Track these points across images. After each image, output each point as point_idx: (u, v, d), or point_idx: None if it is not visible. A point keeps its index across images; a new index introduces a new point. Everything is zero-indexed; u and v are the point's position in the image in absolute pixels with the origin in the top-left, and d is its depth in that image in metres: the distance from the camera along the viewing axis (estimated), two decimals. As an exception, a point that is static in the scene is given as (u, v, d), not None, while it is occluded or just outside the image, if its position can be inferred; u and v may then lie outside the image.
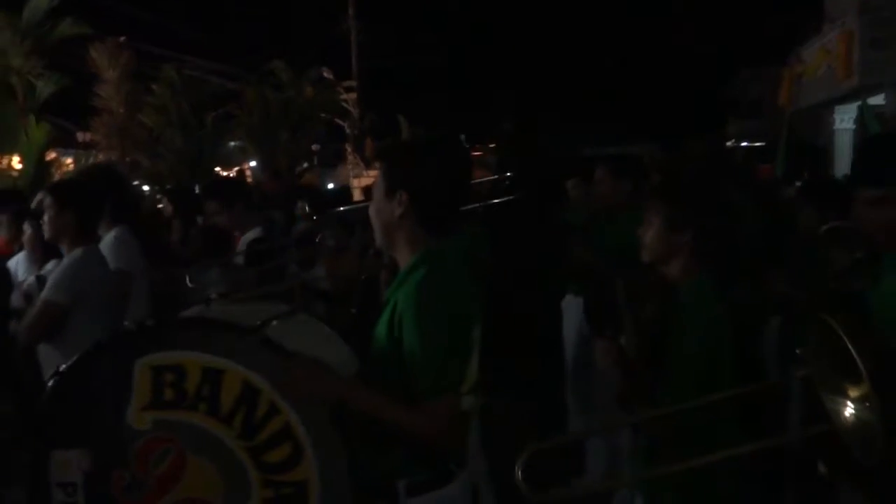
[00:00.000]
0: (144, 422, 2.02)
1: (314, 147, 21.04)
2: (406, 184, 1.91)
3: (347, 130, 21.10)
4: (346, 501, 1.96)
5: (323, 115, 19.97)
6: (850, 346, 1.30)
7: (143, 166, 16.18)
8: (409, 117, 21.17)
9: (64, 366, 2.15)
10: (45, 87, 13.56)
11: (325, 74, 19.86)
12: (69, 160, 15.42)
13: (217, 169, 17.89)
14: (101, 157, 15.94)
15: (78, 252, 3.24)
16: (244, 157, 20.71)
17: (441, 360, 1.81)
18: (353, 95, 21.72)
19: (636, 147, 15.88)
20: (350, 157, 20.58)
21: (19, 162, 13.46)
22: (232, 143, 19.60)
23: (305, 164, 20.78)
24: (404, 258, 1.97)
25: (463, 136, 26.20)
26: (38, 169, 13.42)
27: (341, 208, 4.71)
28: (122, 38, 16.25)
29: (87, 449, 2.05)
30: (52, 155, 14.58)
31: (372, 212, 2.01)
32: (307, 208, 5.29)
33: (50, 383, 2.13)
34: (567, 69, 33.87)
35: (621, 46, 34.75)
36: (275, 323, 2.11)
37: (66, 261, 3.29)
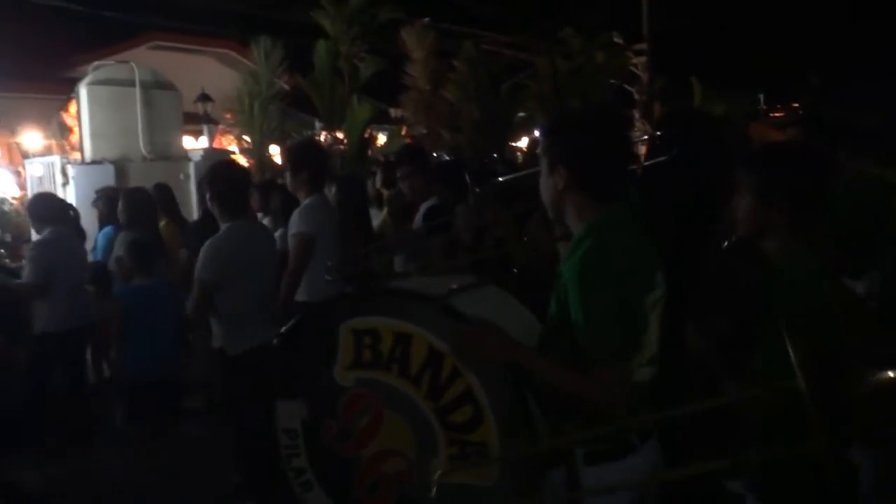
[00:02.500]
0: (348, 379, 2.22)
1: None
2: (563, 158, 1.96)
3: (636, 96, 20.53)
4: (524, 465, 2.01)
5: (612, 81, 19.59)
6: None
7: (444, 139, 17.23)
8: (703, 79, 19.97)
9: (284, 328, 2.42)
10: (366, 70, 15.03)
11: (615, 39, 19.45)
12: (383, 135, 17.02)
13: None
14: (406, 131, 17.41)
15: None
16: (531, 127, 21.12)
17: (607, 328, 1.80)
18: (643, 59, 21.04)
19: None
20: (638, 124, 19.99)
21: (344, 137, 15.13)
22: (520, 114, 20.02)
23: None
24: (575, 228, 2.00)
25: (761, 96, 24.12)
26: (360, 144, 14.99)
27: (501, 178, 4.59)
28: (427, 20, 17.37)
29: (304, 400, 2.30)
30: (368, 131, 16.20)
31: (541, 187, 2.06)
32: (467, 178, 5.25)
33: (275, 342, 2.41)
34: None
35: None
36: (461, 293, 2.21)
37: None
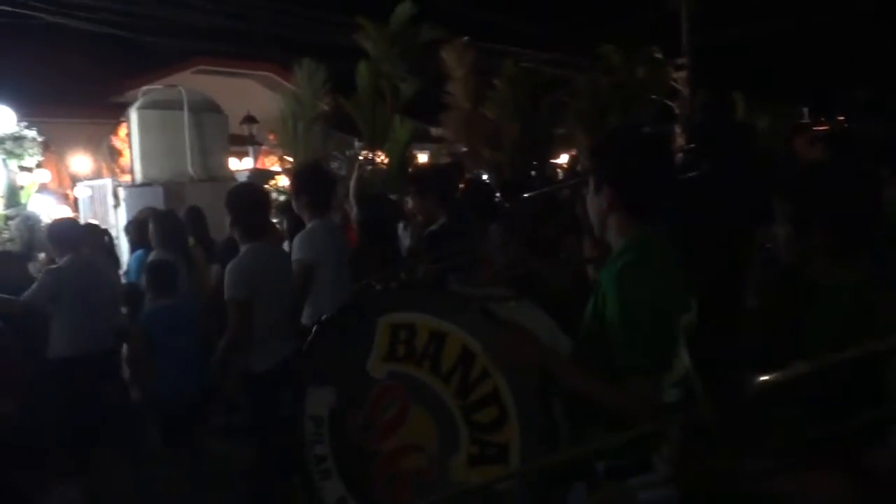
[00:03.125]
0: (381, 371, 2.24)
1: (645, 129, 20.52)
2: (611, 179, 2.03)
3: (677, 111, 20.30)
4: (543, 472, 2.02)
5: (653, 96, 19.41)
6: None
7: (485, 157, 17.19)
8: (746, 94, 19.66)
9: (324, 316, 2.48)
10: (407, 89, 15.09)
11: (656, 54, 19.29)
12: (423, 154, 17.05)
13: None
14: (447, 150, 17.41)
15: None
16: (571, 144, 21.00)
17: (640, 341, 1.84)
18: (684, 73, 20.84)
19: None
20: (678, 139, 19.74)
21: (385, 157, 15.17)
22: (560, 131, 19.93)
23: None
24: (616, 244, 2.05)
25: (806, 110, 23.70)
26: (401, 163, 15.02)
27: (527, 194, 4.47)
28: (466, 38, 17.42)
29: (334, 388, 2.32)
30: (409, 150, 16.23)
31: (588, 205, 2.14)
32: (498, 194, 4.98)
33: (314, 329, 2.45)
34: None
35: None
36: (497, 301, 2.28)
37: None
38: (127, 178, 11.03)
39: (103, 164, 13.47)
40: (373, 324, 2.24)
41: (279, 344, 3.82)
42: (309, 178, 4.41)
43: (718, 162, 3.65)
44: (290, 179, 4.43)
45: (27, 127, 7.22)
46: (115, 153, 12.81)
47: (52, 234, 5.10)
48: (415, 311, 2.20)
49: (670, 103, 20.43)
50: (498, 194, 5.35)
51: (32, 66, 15.60)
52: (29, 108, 15.18)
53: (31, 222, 6.79)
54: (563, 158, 19.74)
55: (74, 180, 13.32)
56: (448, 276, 2.85)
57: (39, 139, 7.36)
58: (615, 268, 1.94)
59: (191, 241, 6.10)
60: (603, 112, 18.66)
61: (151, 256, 5.36)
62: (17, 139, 7.20)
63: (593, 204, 2.10)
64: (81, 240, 5.20)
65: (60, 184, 13.16)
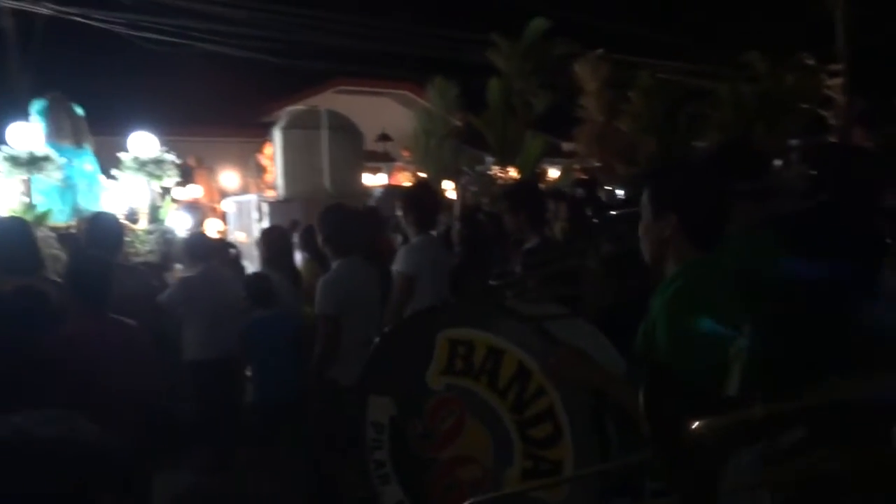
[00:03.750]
0: (439, 383, 2.33)
1: (792, 142, 19.33)
2: (674, 206, 1.99)
3: (831, 121, 18.91)
4: (593, 489, 2.07)
5: (804, 105, 18.20)
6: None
7: (618, 171, 16.78)
8: (912, 100, 18.01)
9: (387, 328, 2.63)
10: (539, 104, 15.01)
11: (807, 60, 18.08)
12: (555, 169, 16.87)
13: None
14: (578, 165, 17.13)
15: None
16: (711, 156, 20.06)
17: (688, 355, 1.82)
18: (839, 81, 19.39)
19: None
20: (797, 166, 18.37)
21: (516, 172, 15.15)
22: (699, 144, 19.12)
23: (780, 162, 19.22)
24: (671, 270, 2.03)
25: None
26: (532, 178, 14.93)
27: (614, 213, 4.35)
28: (600, 51, 17.12)
29: (395, 397, 2.42)
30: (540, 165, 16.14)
31: (641, 230, 2.09)
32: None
33: (376, 341, 2.58)
34: None
35: None
36: (553, 319, 2.34)
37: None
38: (271, 193, 11.64)
39: (250, 181, 14.30)
40: (432, 338, 2.34)
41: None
42: (417, 198, 4.59)
43: (843, 192, 3.27)
44: (399, 198, 4.66)
45: (168, 151, 7.94)
46: (261, 170, 13.58)
47: (186, 248, 5.58)
48: (473, 328, 2.29)
49: (823, 112, 19.07)
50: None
51: (191, 90, 16.91)
52: (185, 128, 16.51)
53: (168, 236, 7.39)
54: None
55: (223, 195, 14.22)
56: (506, 292, 2.90)
57: (178, 161, 8.03)
58: (666, 295, 1.94)
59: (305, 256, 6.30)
60: (748, 123, 17.74)
61: (257, 270, 5.63)
62: (158, 162, 7.87)
63: (652, 230, 2.05)
64: (211, 253, 5.58)
65: (211, 198, 14.11)
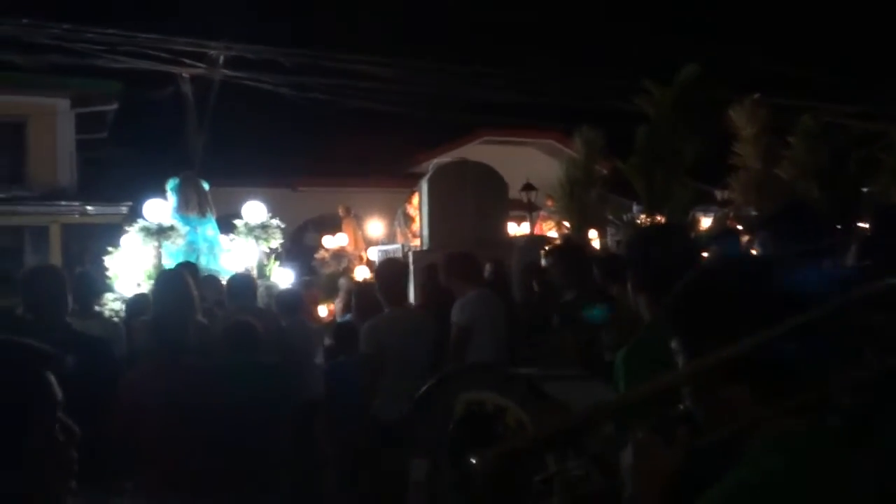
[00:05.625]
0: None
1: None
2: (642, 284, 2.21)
3: None
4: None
5: None
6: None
7: (778, 220, 15.75)
8: None
9: (419, 393, 2.94)
10: (689, 151, 14.46)
11: None
12: (707, 218, 16.10)
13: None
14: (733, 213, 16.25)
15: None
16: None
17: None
18: None
19: None
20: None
21: (665, 220, 14.57)
22: (865, 189, 17.62)
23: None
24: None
25: None
26: (681, 225, 14.30)
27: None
28: (757, 95, 16.31)
29: (428, 456, 2.76)
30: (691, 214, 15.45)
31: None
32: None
33: (408, 408, 2.99)
34: None
35: None
36: (561, 379, 2.69)
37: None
38: (417, 242, 11.88)
39: (397, 229, 14.70)
40: (454, 399, 2.64)
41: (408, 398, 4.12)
42: (460, 264, 5.21)
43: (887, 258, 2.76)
44: (444, 264, 5.32)
45: (272, 217, 9.46)
46: (408, 220, 13.94)
47: (279, 301, 6.24)
48: (483, 390, 2.60)
49: None
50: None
51: (343, 143, 17.79)
52: (335, 179, 17.31)
53: (272, 291, 8.21)
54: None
55: (368, 243, 14.68)
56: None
57: (282, 226, 9.50)
58: (623, 352, 2.08)
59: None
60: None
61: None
62: (265, 227, 9.26)
63: (631, 293, 2.27)
64: (301, 305, 6.27)
65: (356, 246, 14.64)
